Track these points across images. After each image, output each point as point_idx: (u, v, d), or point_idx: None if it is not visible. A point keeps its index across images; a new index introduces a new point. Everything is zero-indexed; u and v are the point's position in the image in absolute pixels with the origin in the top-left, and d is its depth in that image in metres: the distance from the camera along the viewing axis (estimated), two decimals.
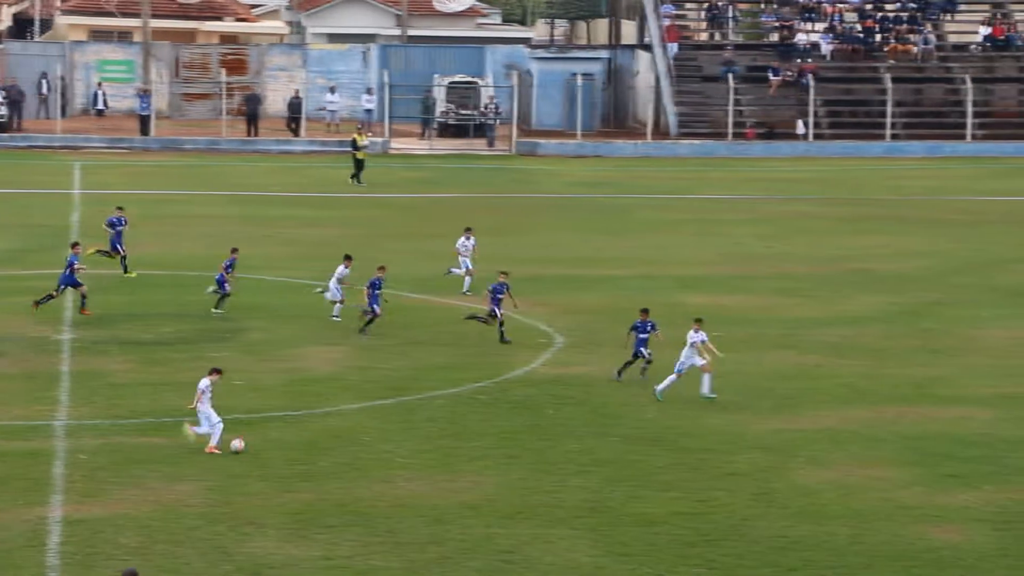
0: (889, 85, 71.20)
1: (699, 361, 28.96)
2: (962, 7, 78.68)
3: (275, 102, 74.75)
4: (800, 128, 71.23)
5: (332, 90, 74.20)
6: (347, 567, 20.99)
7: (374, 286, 33.77)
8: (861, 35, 75.72)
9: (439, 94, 73.37)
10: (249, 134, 70.34)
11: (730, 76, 71.22)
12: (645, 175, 63.25)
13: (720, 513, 23.09)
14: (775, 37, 76.44)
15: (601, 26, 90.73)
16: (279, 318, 35.66)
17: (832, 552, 21.70)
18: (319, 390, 29.64)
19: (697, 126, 72.00)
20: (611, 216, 52.28)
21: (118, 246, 39.73)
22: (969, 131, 71.23)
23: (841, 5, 77.06)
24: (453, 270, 38.86)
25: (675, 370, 28.98)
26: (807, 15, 76.64)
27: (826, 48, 74.47)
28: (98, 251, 39.29)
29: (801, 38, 74.98)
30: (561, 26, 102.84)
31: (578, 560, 21.32)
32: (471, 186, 59.54)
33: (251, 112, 70.80)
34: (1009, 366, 32.16)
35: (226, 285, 35.87)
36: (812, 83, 70.80)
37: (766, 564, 21.26)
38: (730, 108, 70.52)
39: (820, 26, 76.14)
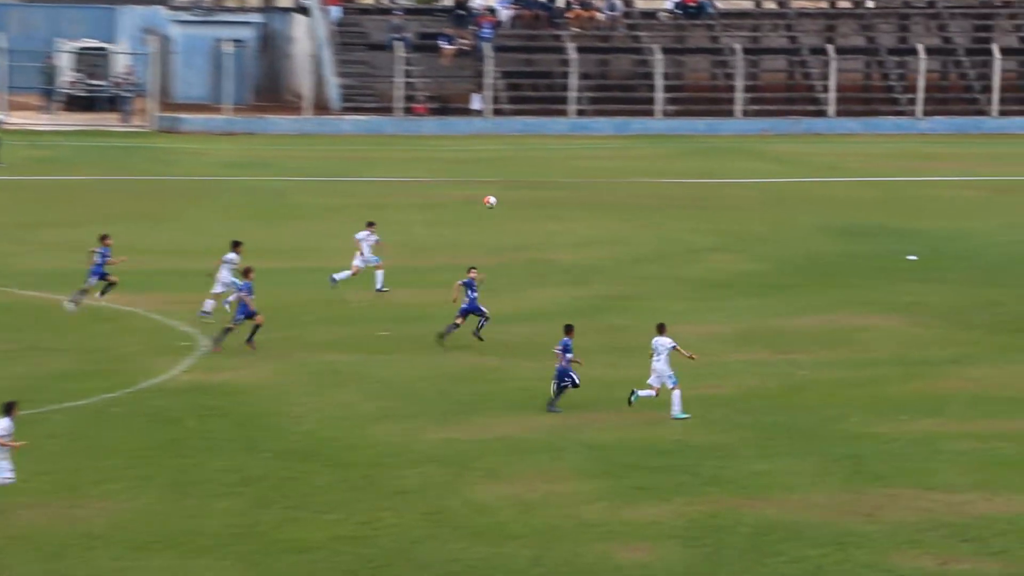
0: (573, 56, 72.50)
1: (669, 382, 28.85)
2: None
3: None
4: (476, 103, 71.96)
5: None
6: None
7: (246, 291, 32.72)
8: (542, 0, 76.84)
9: (63, 61, 71.99)
10: None
11: (399, 44, 71.50)
12: (303, 155, 63.09)
13: (386, 536, 23.11)
14: (448, 1, 76.99)
15: None
16: None
17: (511, 575, 21.90)
18: None
19: (362, 100, 72.12)
20: (263, 201, 51.97)
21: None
22: (659, 106, 73.04)
23: None
24: (335, 276, 38.24)
25: (649, 383, 28.84)
26: None
27: (504, 14, 75.33)
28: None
29: (477, 2, 75.69)
30: None
31: None
32: (103, 167, 58.56)
33: None
34: (701, 364, 32.93)
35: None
36: (489, 43, 71.34)
37: None
38: (399, 80, 70.80)
39: None
